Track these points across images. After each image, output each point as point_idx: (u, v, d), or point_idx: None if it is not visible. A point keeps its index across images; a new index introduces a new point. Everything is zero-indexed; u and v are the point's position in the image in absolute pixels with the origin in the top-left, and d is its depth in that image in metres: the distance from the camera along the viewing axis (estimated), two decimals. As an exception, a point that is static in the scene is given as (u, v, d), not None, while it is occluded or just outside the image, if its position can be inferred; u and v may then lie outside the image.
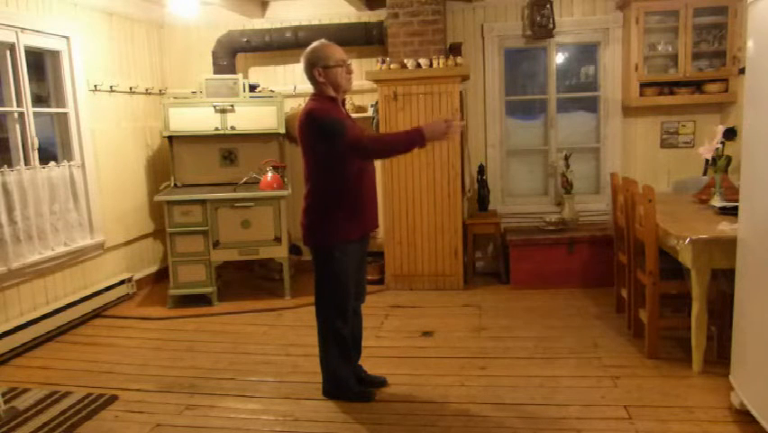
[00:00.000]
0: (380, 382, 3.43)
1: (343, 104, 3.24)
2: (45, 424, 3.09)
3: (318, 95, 3.11)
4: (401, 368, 3.67)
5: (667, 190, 5.18)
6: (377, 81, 5.15)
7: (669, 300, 4.00)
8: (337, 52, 3.08)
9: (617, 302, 4.50)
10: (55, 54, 4.73)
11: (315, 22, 5.75)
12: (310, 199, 3.13)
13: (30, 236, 4.32)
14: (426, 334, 4.27)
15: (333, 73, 3.05)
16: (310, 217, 3.13)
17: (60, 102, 4.79)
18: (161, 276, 5.80)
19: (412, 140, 2.96)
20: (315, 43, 3.13)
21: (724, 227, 3.32)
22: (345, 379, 3.29)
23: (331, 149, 2.99)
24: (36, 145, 4.42)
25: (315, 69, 3.05)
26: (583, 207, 5.64)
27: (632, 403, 3.09)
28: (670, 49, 5.22)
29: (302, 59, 3.11)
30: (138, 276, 5.55)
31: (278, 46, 5.70)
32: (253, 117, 5.36)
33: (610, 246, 4.72)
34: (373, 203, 3.28)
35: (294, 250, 5.86)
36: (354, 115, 5.63)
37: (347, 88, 3.16)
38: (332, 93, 3.09)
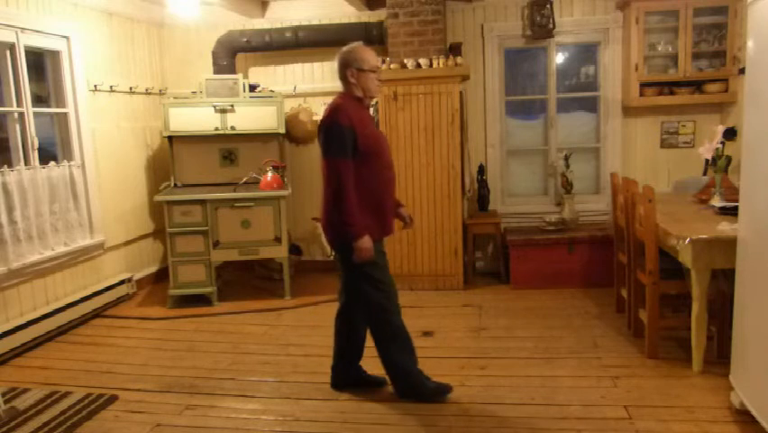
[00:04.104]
0: (379, 383, 3.43)
1: (368, 107, 3.27)
2: (45, 424, 3.09)
3: (347, 94, 3.16)
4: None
5: (667, 190, 5.18)
6: (377, 81, 5.15)
7: (669, 300, 4.01)
8: (373, 58, 3.14)
9: (617, 302, 4.50)
10: (55, 54, 4.73)
11: (315, 22, 5.76)
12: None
13: (30, 236, 4.32)
14: (426, 334, 4.27)
15: (366, 77, 3.11)
16: (333, 220, 3.08)
17: (60, 102, 4.79)
18: (161, 276, 5.80)
19: (354, 226, 2.96)
20: (352, 44, 3.19)
21: (724, 227, 3.31)
22: (417, 375, 3.23)
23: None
24: (36, 145, 4.42)
25: (349, 69, 3.10)
26: (583, 207, 5.64)
27: (632, 403, 3.10)
28: (670, 49, 5.22)
29: (337, 57, 3.17)
30: (138, 276, 5.56)
31: (278, 46, 5.70)
32: (253, 117, 5.36)
33: (610, 246, 4.72)
34: (389, 208, 3.24)
35: (294, 250, 5.86)
36: (354, 115, 5.68)
37: (375, 94, 3.22)
38: (360, 94, 3.14)
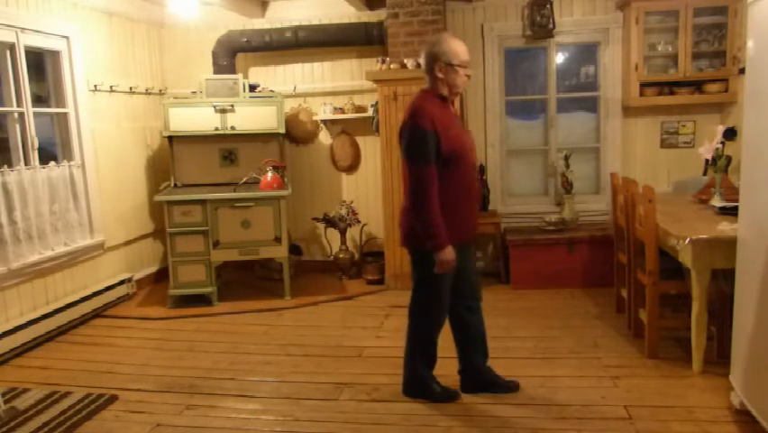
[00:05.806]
0: (511, 388, 3.30)
1: (453, 103, 3.10)
2: (45, 424, 3.09)
3: (430, 91, 3.00)
4: (401, 368, 3.65)
5: (667, 190, 5.18)
6: (377, 81, 5.15)
7: (669, 300, 4.00)
8: (463, 51, 2.95)
9: (617, 302, 4.50)
10: (55, 54, 4.73)
11: (315, 22, 5.75)
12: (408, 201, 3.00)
13: (30, 236, 4.32)
14: (426, 334, 4.26)
15: (455, 73, 2.93)
16: (410, 220, 3.01)
17: (60, 102, 4.79)
18: (161, 276, 5.80)
19: (436, 237, 2.87)
20: (440, 36, 3.02)
21: (724, 227, 3.32)
22: (427, 379, 3.24)
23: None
24: (36, 145, 4.42)
25: (437, 63, 2.91)
26: (583, 207, 5.64)
27: (632, 403, 3.10)
28: (670, 49, 5.22)
29: (424, 50, 3.00)
30: (138, 276, 5.55)
31: (278, 46, 5.70)
32: (253, 117, 5.35)
33: (610, 246, 4.72)
34: (471, 211, 3.12)
35: (294, 250, 5.86)
36: (354, 116, 5.69)
37: (461, 90, 3.07)
38: (444, 92, 2.98)
